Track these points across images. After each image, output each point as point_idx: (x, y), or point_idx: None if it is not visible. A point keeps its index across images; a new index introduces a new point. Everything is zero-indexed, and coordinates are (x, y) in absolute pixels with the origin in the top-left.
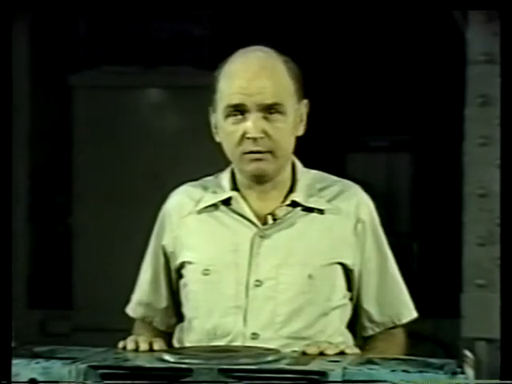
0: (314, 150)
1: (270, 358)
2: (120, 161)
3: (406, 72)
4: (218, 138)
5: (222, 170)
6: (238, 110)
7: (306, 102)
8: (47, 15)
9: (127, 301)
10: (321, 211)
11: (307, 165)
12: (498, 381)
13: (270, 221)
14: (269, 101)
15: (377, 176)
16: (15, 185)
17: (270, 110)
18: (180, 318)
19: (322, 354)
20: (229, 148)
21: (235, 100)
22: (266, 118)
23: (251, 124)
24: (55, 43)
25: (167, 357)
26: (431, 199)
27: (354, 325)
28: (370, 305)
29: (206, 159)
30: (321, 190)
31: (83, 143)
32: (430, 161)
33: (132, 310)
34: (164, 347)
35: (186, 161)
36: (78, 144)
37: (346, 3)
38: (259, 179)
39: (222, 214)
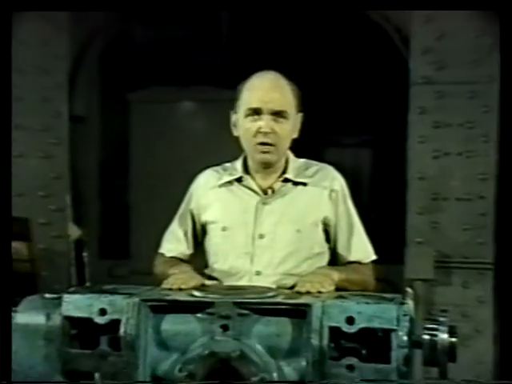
0: (297, 147)
1: (270, 294)
2: (163, 154)
3: (369, 90)
4: (235, 133)
5: (235, 158)
6: (256, 112)
7: (301, 114)
8: (113, 47)
9: None
10: (305, 184)
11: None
12: (499, 381)
13: (270, 192)
14: (278, 108)
15: (346, 165)
16: (89, 172)
17: (277, 114)
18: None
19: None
20: (245, 139)
21: (254, 105)
22: (274, 120)
23: (264, 122)
24: (117, 68)
25: (196, 293)
26: (385, 181)
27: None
28: (342, 250)
29: (223, 152)
30: (305, 169)
31: (137, 142)
32: (385, 154)
33: (166, 250)
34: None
35: (210, 154)
36: (134, 143)
37: (326, 20)
38: (265, 165)
39: (236, 188)
